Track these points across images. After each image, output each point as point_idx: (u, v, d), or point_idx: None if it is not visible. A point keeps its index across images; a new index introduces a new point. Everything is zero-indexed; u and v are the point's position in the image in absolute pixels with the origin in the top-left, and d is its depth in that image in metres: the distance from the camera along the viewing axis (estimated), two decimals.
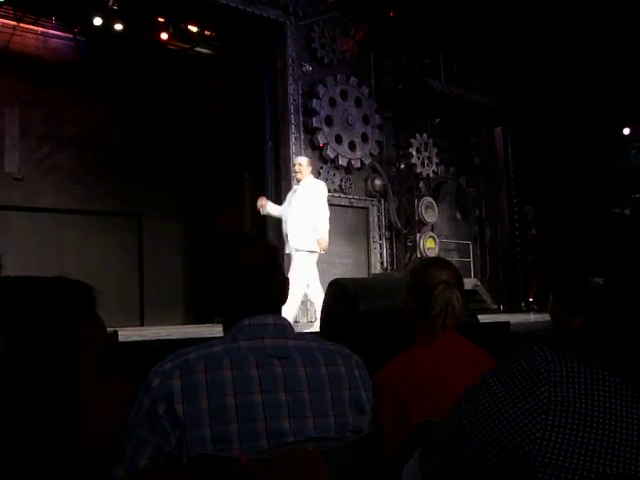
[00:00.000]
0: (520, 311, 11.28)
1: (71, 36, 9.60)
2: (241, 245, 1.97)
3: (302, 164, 7.49)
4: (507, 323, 5.44)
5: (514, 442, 0.98)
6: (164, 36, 9.55)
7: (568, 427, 0.95)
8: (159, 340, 5.47)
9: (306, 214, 7.32)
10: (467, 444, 1.04)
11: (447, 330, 2.23)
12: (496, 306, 11.28)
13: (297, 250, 7.35)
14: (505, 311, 11.11)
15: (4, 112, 9.28)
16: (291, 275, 6.89)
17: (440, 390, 2.05)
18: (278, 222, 9.62)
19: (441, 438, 1.14)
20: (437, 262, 2.44)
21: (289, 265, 7.33)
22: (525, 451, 0.96)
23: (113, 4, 8.42)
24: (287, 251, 7.38)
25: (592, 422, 0.94)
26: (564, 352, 1.02)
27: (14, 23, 9.19)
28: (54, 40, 9.67)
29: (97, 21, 8.86)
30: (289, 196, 7.65)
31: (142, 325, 9.49)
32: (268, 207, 7.67)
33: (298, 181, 7.54)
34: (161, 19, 9.41)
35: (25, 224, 9.22)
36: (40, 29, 9.52)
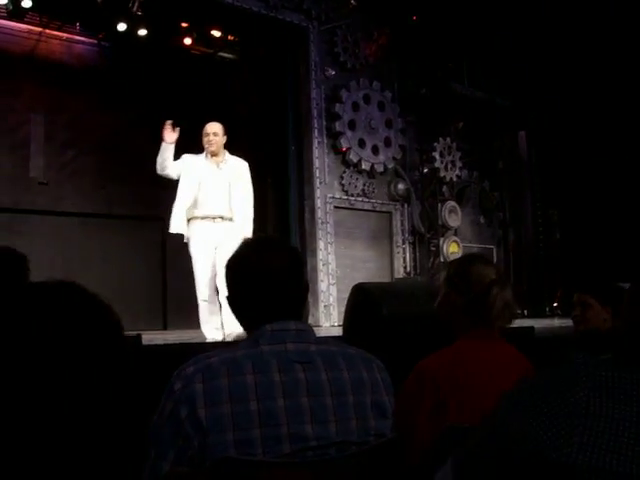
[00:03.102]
0: (544, 316, 11.19)
1: (95, 42, 9.66)
2: (263, 249, 1.96)
3: (218, 133, 6.29)
4: (531, 328, 5.40)
5: (552, 446, 0.96)
6: (188, 41, 9.60)
7: (606, 431, 0.93)
8: (182, 344, 5.49)
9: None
10: (505, 449, 1.03)
11: (492, 330, 2.22)
12: (520, 311, 11.20)
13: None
14: (529, 316, 11.03)
15: (30, 118, 9.35)
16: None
17: (480, 390, 2.04)
18: (301, 224, 9.64)
19: (479, 446, 1.13)
20: (481, 259, 2.43)
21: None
22: (563, 454, 0.95)
23: (137, 10, 8.46)
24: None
25: (629, 427, 0.93)
26: (602, 357, 1.01)
27: (40, 29, 9.26)
28: (79, 46, 9.73)
29: (121, 26, 8.90)
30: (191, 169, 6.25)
31: (165, 329, 9.51)
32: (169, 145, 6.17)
33: (212, 154, 6.25)
34: (185, 24, 9.45)
35: (49, 228, 9.27)
36: (65, 35, 9.59)
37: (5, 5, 8.41)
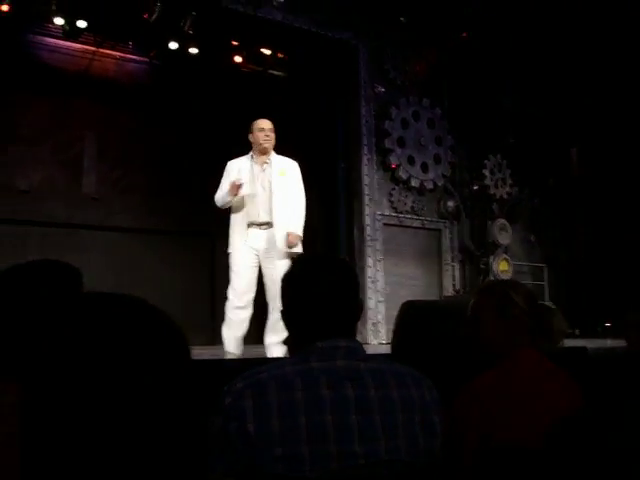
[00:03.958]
0: (597, 336, 10.99)
1: (147, 60, 9.80)
2: (321, 266, 1.95)
3: (272, 129, 6.10)
4: (584, 348, 5.28)
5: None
6: (238, 59, 9.68)
7: None
8: (231, 359, 5.49)
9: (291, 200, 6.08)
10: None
11: (539, 352, 2.21)
12: (571, 330, 11.01)
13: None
14: (581, 336, 10.84)
15: (83, 135, 9.52)
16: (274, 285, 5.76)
17: (528, 411, 2.01)
18: (350, 241, 9.61)
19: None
20: (519, 284, 2.43)
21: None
22: None
23: (189, 28, 8.57)
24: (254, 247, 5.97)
25: None
26: None
27: (94, 49, 9.44)
28: (131, 64, 9.89)
29: (173, 45, 9.04)
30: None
31: (214, 344, 9.55)
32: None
33: (263, 152, 6.05)
34: (235, 42, 9.54)
35: (101, 243, 9.41)
36: (118, 54, 9.76)
37: (61, 26, 8.60)
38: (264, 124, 6.06)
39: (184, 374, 0.91)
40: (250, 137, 6.08)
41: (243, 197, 5.89)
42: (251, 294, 5.90)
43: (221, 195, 5.97)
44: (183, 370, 0.91)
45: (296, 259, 2.01)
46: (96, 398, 0.83)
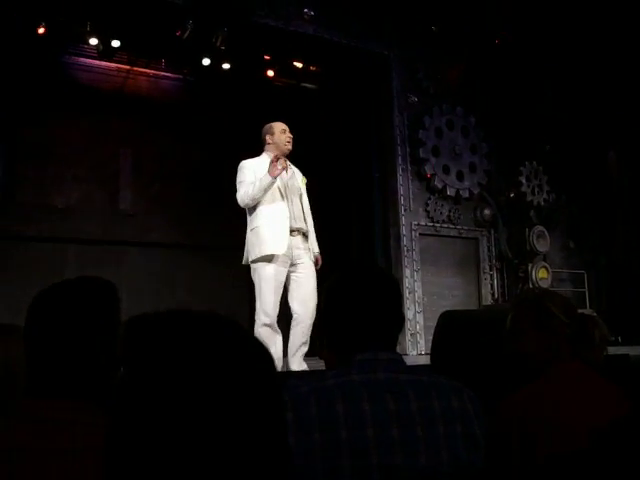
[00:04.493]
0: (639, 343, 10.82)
1: (181, 77, 9.91)
2: (365, 278, 1.94)
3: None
4: (626, 355, 5.20)
5: None
6: (270, 73, 9.74)
7: None
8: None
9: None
10: None
11: (581, 363, 2.17)
12: (614, 338, 10.85)
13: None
14: (623, 343, 10.68)
15: (119, 152, 9.64)
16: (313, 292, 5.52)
17: (570, 423, 1.97)
18: (387, 251, 9.55)
19: None
20: (558, 295, 2.40)
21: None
22: None
23: (221, 45, 8.63)
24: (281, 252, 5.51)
25: None
26: None
27: (128, 67, 9.57)
28: (165, 81, 10.00)
29: (205, 61, 9.13)
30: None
31: None
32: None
33: (283, 155, 5.69)
34: (267, 57, 9.60)
35: (138, 259, 9.50)
36: (152, 72, 9.88)
37: (95, 45, 8.72)
38: (284, 126, 5.79)
39: (274, 398, 0.89)
40: (268, 138, 5.76)
41: (272, 201, 5.53)
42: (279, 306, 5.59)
43: (254, 187, 5.47)
44: (274, 394, 0.89)
45: (339, 270, 1.97)
46: (193, 423, 0.81)
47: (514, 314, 2.37)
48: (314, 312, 5.23)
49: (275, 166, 5.38)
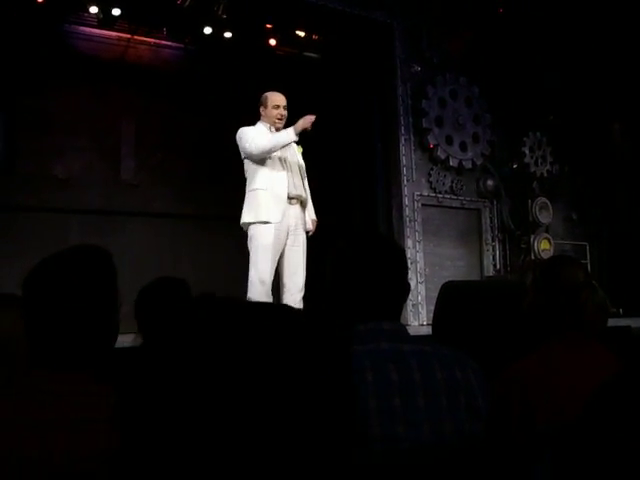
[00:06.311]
0: None
1: (182, 46, 9.81)
2: (369, 246, 1.90)
3: (286, 107, 5.72)
4: (628, 327, 5.19)
5: None
6: (272, 42, 9.65)
7: None
8: None
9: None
10: None
11: (582, 333, 2.16)
12: (615, 309, 10.85)
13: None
14: (625, 315, 10.68)
15: (121, 121, 9.58)
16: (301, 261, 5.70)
17: (570, 393, 1.96)
18: (389, 222, 9.53)
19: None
20: (570, 260, 2.37)
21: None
22: None
23: (222, 13, 8.56)
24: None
25: None
26: None
27: (128, 36, 9.47)
28: (166, 50, 9.90)
29: (207, 30, 9.06)
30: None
31: None
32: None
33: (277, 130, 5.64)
34: (269, 26, 9.51)
35: (140, 229, 9.46)
36: (153, 40, 9.78)
37: (96, 14, 8.64)
38: (279, 100, 5.68)
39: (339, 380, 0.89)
40: (261, 110, 5.73)
41: (272, 167, 5.56)
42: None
43: (271, 138, 5.50)
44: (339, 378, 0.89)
45: (343, 238, 1.94)
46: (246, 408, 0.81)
47: (533, 277, 2.35)
48: (303, 286, 5.50)
49: (305, 124, 5.38)
